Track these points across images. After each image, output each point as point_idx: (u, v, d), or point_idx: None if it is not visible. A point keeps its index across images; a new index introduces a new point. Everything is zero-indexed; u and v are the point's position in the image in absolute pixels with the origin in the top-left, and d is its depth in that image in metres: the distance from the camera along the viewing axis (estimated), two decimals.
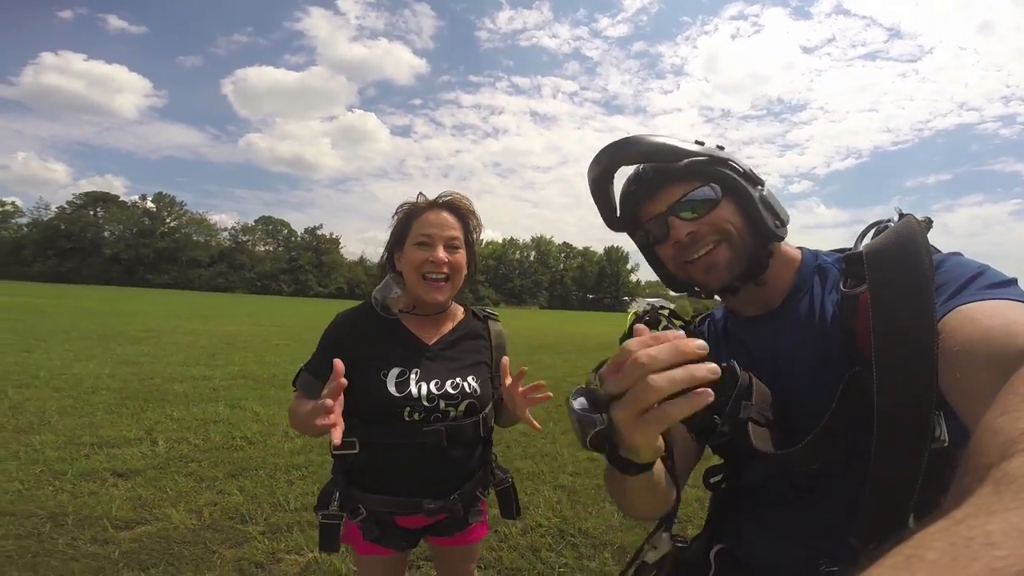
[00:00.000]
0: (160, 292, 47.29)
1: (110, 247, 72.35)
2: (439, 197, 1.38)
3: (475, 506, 1.41)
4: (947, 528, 0.21)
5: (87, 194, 79.26)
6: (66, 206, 76.35)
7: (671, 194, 0.84)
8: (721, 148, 0.87)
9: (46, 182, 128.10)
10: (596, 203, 0.91)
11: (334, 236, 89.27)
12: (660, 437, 0.59)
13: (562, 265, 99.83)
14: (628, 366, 0.52)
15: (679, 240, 0.84)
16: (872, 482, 0.61)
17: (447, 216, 1.34)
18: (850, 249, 0.79)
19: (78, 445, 3.90)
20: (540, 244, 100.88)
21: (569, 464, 4.05)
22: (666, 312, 0.97)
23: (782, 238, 0.85)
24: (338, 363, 1.05)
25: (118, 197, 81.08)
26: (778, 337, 0.86)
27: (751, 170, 0.86)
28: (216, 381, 6.74)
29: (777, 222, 0.84)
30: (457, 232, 1.34)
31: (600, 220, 0.94)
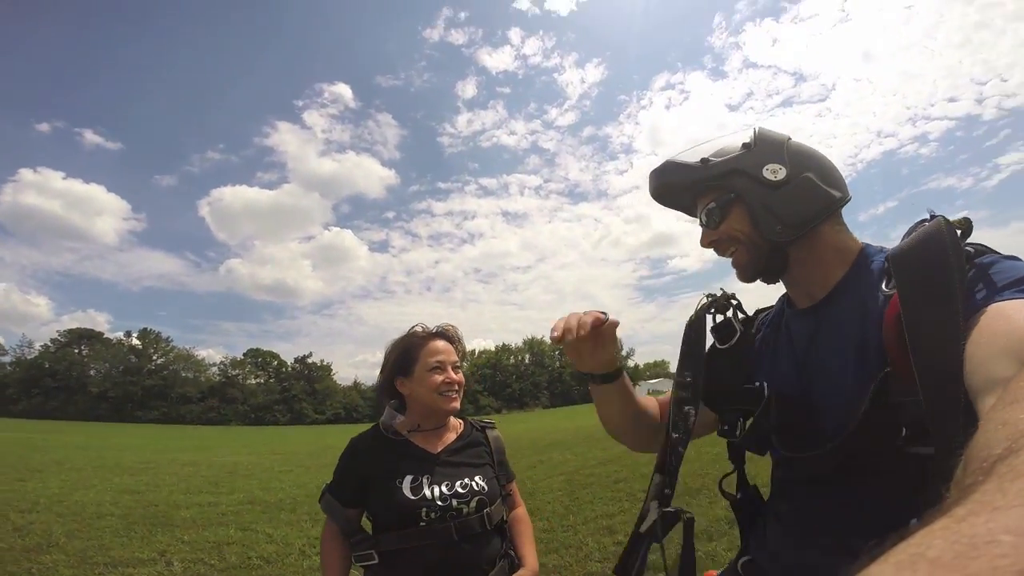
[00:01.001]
0: (150, 427, 45.70)
1: (96, 385, 70.87)
2: (437, 328, 1.66)
3: None
4: (949, 526, 0.21)
5: (71, 331, 79.11)
6: (50, 344, 76.03)
7: (700, 206, 0.96)
8: (747, 146, 0.90)
9: (28, 317, 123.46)
10: None
11: (325, 363, 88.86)
12: (602, 357, 0.98)
13: (558, 363, 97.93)
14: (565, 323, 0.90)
15: (705, 247, 0.96)
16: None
17: (447, 344, 1.60)
18: None
19: (91, 564, 3.82)
20: (532, 345, 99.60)
21: (596, 552, 3.97)
22: (735, 302, 1.05)
23: (787, 241, 0.87)
24: None
25: (102, 334, 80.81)
26: (817, 330, 0.88)
27: (765, 175, 0.87)
28: (223, 507, 6.55)
29: (779, 226, 0.86)
30: (456, 356, 1.61)
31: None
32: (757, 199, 0.86)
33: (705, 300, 1.04)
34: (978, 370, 0.56)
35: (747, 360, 0.99)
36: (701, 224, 0.96)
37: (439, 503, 1.42)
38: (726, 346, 1.00)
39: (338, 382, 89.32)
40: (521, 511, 1.68)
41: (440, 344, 1.59)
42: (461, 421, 1.68)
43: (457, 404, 1.56)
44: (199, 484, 8.58)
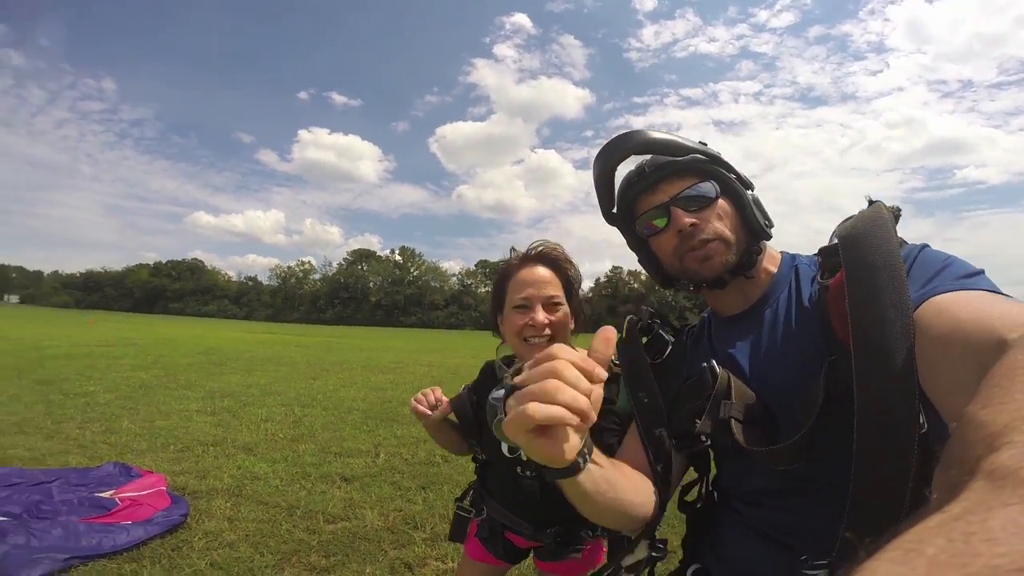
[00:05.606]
0: (411, 331, 56.78)
1: (374, 295, 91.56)
2: (530, 250, 1.32)
3: (576, 544, 1.43)
4: (945, 523, 0.20)
5: (354, 252, 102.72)
6: (343, 262, 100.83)
7: (672, 187, 0.88)
8: (717, 153, 0.92)
9: (327, 242, 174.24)
10: (598, 195, 0.96)
11: None
12: (568, 445, 0.54)
13: None
14: (543, 360, 0.53)
15: (681, 228, 0.85)
16: (857, 472, 0.60)
17: (542, 271, 1.28)
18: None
19: (327, 454, 5.01)
20: None
21: None
22: (659, 322, 1.02)
23: (770, 237, 0.90)
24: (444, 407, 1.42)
25: (375, 252, 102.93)
26: (757, 333, 0.88)
27: (742, 174, 0.91)
28: None
29: (766, 222, 0.90)
30: (556, 290, 1.27)
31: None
32: (743, 193, 0.89)
33: (629, 321, 1.01)
34: (937, 375, 0.57)
35: (686, 365, 0.96)
36: (679, 205, 0.87)
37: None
38: (659, 360, 0.97)
39: None
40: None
41: (530, 273, 1.28)
42: None
43: None
44: (427, 383, 10.02)
